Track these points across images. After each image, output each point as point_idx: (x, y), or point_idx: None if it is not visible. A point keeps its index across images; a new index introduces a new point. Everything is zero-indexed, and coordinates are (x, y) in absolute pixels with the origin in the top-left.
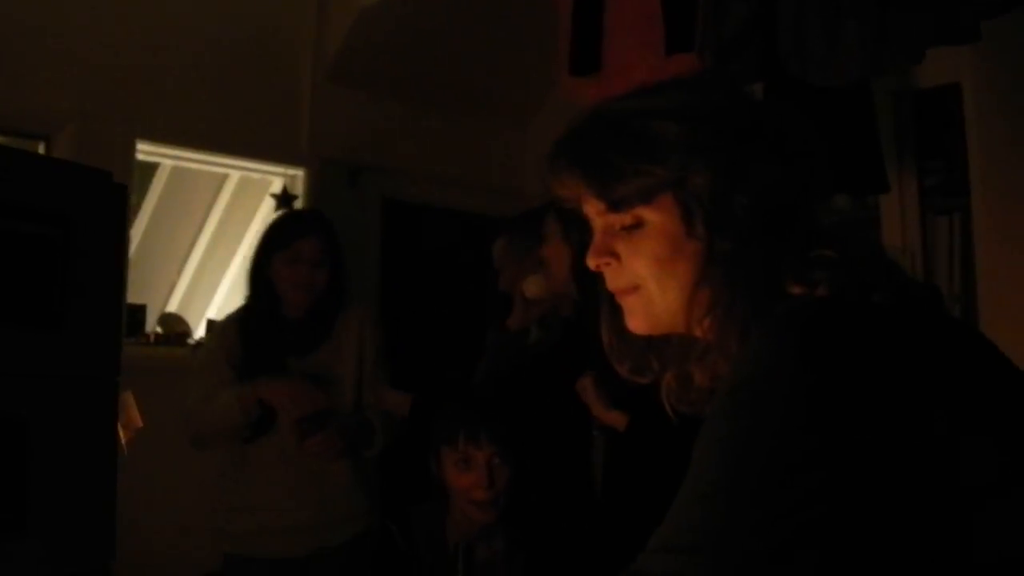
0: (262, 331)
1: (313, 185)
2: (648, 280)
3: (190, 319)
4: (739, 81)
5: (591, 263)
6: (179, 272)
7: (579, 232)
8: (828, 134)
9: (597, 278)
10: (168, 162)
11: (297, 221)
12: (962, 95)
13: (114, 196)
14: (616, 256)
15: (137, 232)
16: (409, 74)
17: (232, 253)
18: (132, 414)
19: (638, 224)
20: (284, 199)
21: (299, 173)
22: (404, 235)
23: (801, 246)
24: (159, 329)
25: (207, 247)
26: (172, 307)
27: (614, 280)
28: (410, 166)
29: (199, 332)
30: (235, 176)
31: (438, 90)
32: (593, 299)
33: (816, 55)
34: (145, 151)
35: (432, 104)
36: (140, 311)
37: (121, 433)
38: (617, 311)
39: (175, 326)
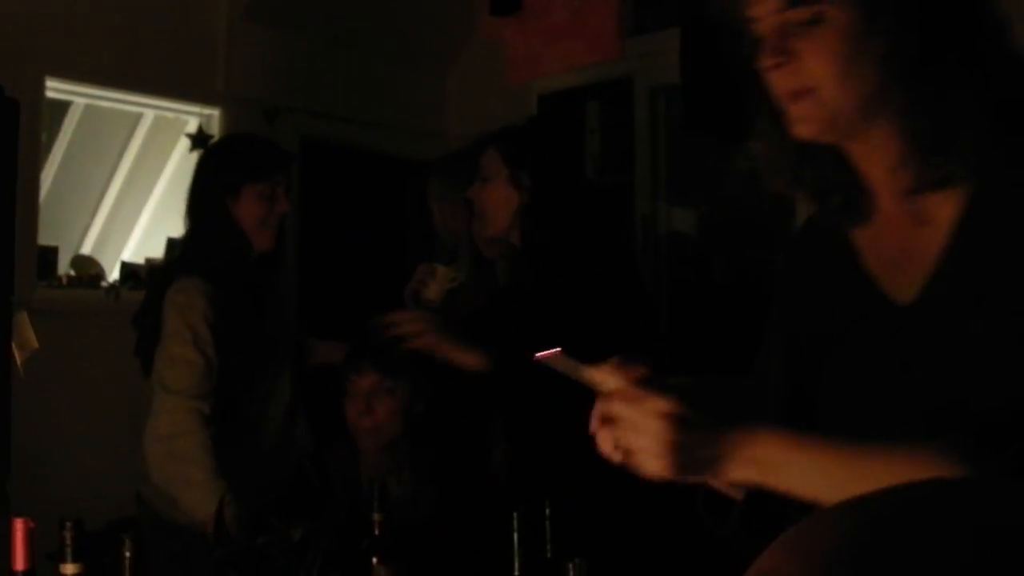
0: (239, 286)
1: (229, 125)
2: (827, 80)
3: (104, 261)
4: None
5: (766, 63)
6: (93, 214)
7: (528, 174)
8: (745, 79)
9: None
10: (80, 100)
11: (274, 150)
12: None
13: (3, 111)
14: (792, 55)
15: (49, 173)
16: (328, 12)
17: (147, 194)
18: (26, 334)
19: (818, 20)
20: (199, 139)
21: (215, 113)
22: (323, 177)
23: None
24: (72, 271)
25: (121, 188)
26: (86, 249)
27: (786, 82)
28: (329, 106)
29: (113, 274)
30: (149, 116)
31: (358, 29)
32: (537, 246)
33: None
34: (55, 89)
35: (352, 43)
36: (52, 253)
37: (16, 353)
38: (778, 120)
39: (88, 268)
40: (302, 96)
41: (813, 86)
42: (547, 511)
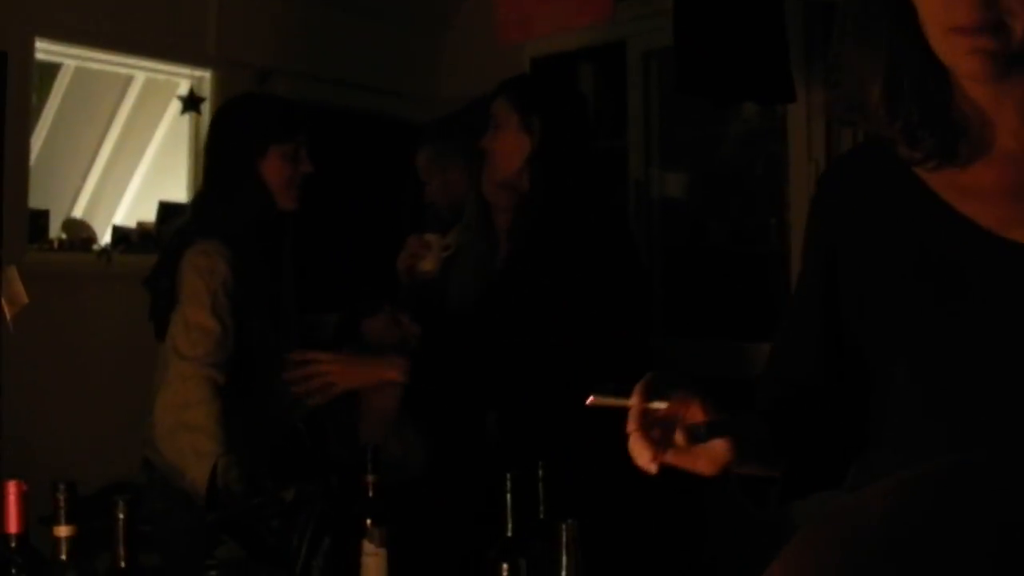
0: (259, 250)
1: (221, 87)
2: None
3: (95, 225)
4: None
5: None
6: (84, 177)
7: (540, 120)
8: (739, 42)
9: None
10: (70, 63)
11: (296, 110)
12: None
13: None
14: None
15: (39, 136)
16: None
17: (138, 158)
18: (16, 289)
19: None
20: (191, 102)
21: (206, 75)
22: (315, 140)
23: None
24: (63, 235)
25: (112, 151)
26: (77, 213)
27: (983, 13)
28: (321, 69)
29: (105, 238)
30: (140, 78)
31: None
32: (549, 190)
33: None
34: (45, 50)
35: (344, 5)
36: (43, 216)
37: (6, 308)
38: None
39: (80, 232)
40: (294, 58)
41: (1009, 23)
42: (540, 473)
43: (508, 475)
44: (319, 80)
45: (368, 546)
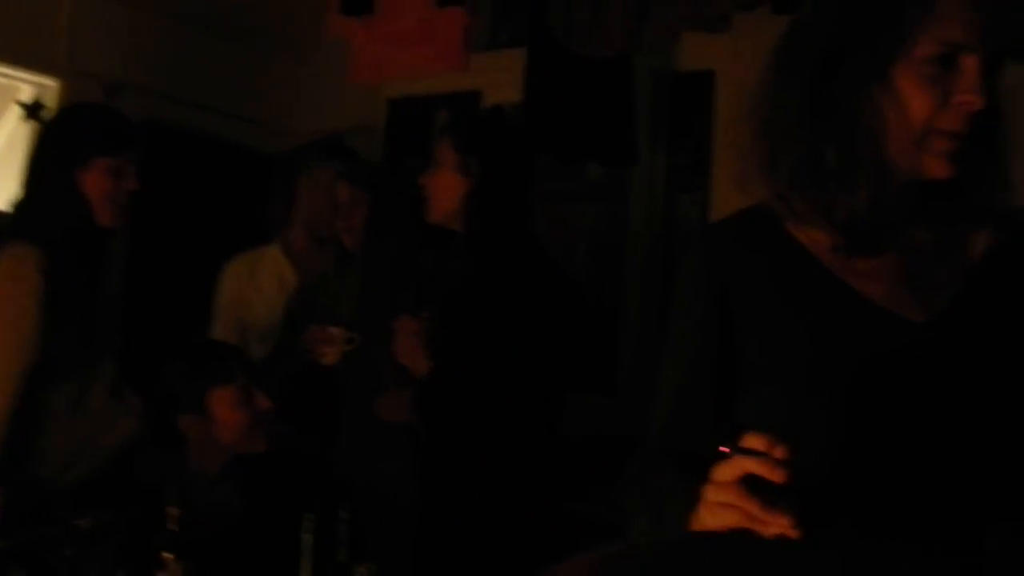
0: (74, 261)
1: (67, 98)
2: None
3: None
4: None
5: (973, 99)
6: None
7: (478, 161)
8: (587, 103)
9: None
10: None
11: (128, 125)
12: (715, 82)
13: None
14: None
15: None
16: None
17: None
18: None
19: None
20: (33, 109)
21: (52, 84)
22: (162, 160)
23: None
24: None
25: None
26: None
27: (966, 123)
28: (175, 88)
29: None
30: None
31: (212, 13)
32: (485, 233)
33: (581, 24)
34: None
35: (205, 27)
36: None
37: None
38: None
39: None
40: (146, 75)
41: (972, 132)
42: (342, 514)
43: (307, 515)
44: (172, 100)
45: None
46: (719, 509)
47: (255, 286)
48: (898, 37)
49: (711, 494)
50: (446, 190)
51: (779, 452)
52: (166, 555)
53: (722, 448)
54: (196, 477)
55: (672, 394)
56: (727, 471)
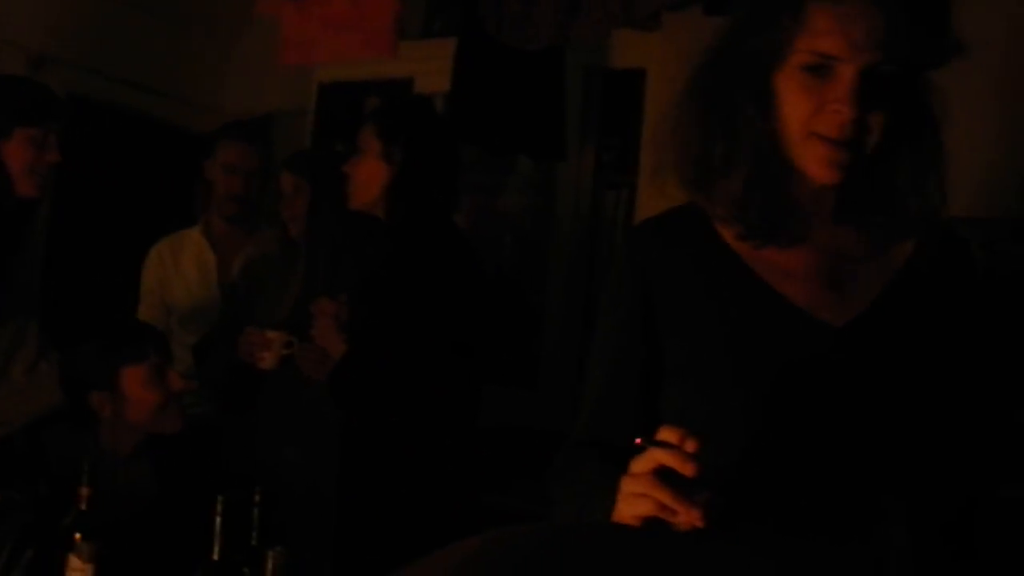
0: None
1: None
2: (876, 135)
3: None
4: (438, 35)
5: (849, 110)
6: None
7: (401, 149)
8: (516, 96)
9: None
10: None
11: (51, 96)
12: (645, 80)
13: None
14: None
15: None
16: None
17: None
18: None
19: (897, 76)
20: None
21: None
22: (87, 135)
23: None
24: None
25: None
26: None
27: (850, 130)
28: (102, 63)
29: None
30: None
31: None
32: (405, 221)
33: (512, 16)
34: None
35: (132, 1)
36: None
37: None
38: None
39: None
40: (74, 49)
41: (866, 140)
42: (256, 498)
43: (219, 498)
44: (98, 74)
45: (74, 561)
46: (633, 499)
47: (177, 269)
48: (776, 46)
49: (626, 485)
50: (369, 177)
51: (690, 445)
52: (76, 535)
53: (637, 440)
54: (107, 456)
55: (599, 389)
56: (642, 463)
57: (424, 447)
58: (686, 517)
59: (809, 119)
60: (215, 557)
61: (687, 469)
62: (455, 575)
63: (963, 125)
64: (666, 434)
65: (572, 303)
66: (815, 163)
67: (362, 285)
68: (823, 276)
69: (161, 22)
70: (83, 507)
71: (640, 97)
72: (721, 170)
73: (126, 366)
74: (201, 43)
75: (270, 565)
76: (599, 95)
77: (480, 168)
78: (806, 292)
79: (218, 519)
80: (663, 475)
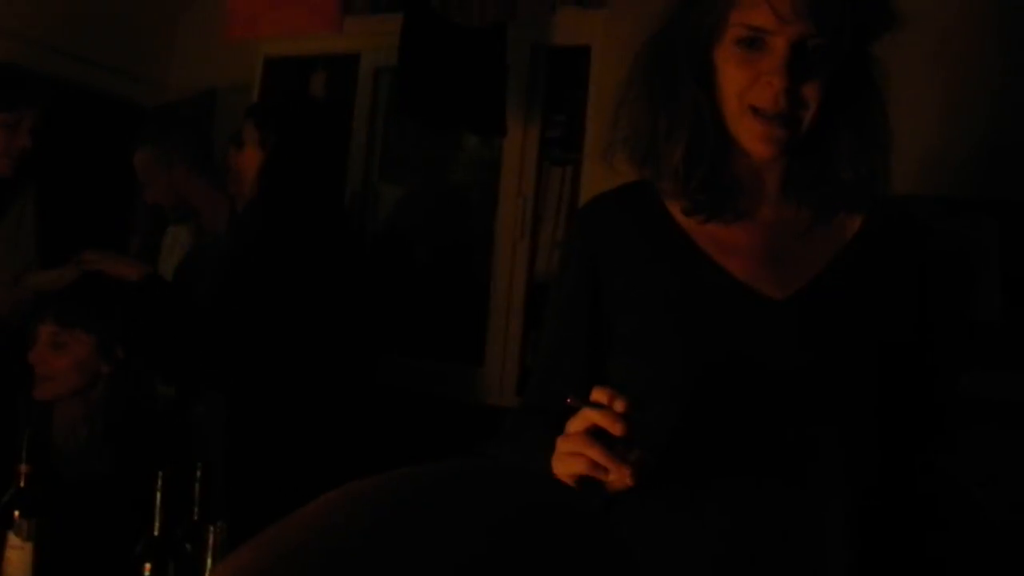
0: None
1: None
2: (814, 109)
3: None
4: (385, 11)
5: (782, 82)
6: None
7: (274, 135)
8: (460, 72)
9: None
10: None
11: (27, 81)
12: (590, 57)
13: None
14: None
15: None
16: None
17: None
18: None
19: (829, 50)
20: None
21: None
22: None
23: None
24: None
25: None
26: None
27: (784, 103)
28: (41, 33)
29: None
30: None
31: None
32: (280, 201)
33: None
34: None
35: None
36: None
37: None
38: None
39: None
40: (12, 18)
41: (801, 114)
42: (198, 473)
43: (160, 473)
44: (37, 45)
45: (13, 539)
46: (567, 458)
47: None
48: (714, 21)
49: (561, 444)
50: (249, 165)
51: (619, 405)
52: (15, 513)
53: (568, 400)
54: (66, 437)
55: (547, 358)
56: (576, 422)
57: (301, 419)
58: (617, 475)
59: (745, 92)
60: (156, 533)
61: (616, 428)
62: (309, 529)
63: (902, 103)
64: (597, 395)
65: (516, 279)
66: (752, 138)
67: (231, 261)
68: (768, 251)
69: None
70: (22, 484)
71: (585, 74)
72: (665, 146)
73: (39, 324)
74: (147, 16)
75: (211, 540)
76: (544, 72)
77: (427, 144)
78: (750, 267)
79: (158, 494)
80: (597, 435)
